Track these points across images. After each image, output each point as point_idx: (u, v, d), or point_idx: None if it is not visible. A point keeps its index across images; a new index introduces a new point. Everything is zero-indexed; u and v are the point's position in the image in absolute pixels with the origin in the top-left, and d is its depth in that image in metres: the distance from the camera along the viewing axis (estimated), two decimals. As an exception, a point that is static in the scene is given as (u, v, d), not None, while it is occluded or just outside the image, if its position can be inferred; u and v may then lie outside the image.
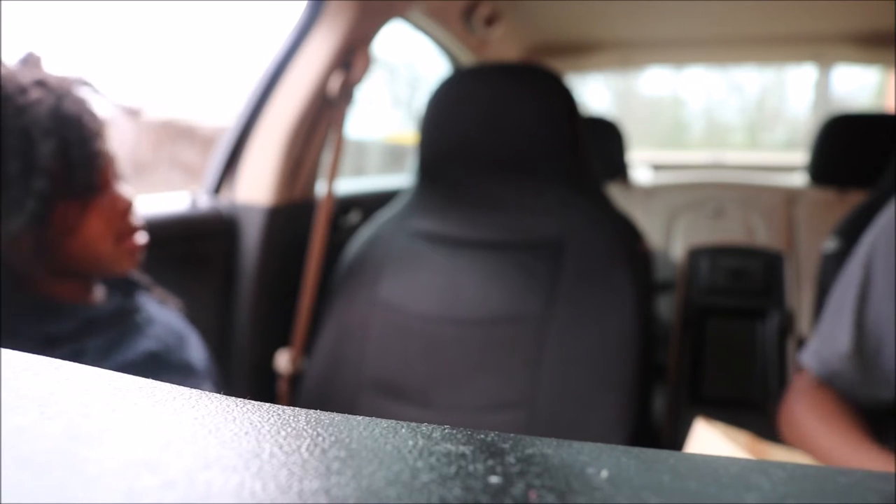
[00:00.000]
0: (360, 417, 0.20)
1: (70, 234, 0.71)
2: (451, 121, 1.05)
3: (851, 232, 0.97)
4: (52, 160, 0.66)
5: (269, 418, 0.19)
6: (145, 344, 0.76)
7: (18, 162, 0.65)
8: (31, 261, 0.72)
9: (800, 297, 1.62)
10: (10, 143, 0.65)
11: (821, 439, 0.73)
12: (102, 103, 0.76)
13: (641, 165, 2.77)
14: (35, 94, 0.67)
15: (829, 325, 0.78)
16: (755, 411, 1.16)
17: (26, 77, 0.69)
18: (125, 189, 0.75)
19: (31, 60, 0.72)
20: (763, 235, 1.85)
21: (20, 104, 0.66)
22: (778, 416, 0.83)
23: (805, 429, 0.76)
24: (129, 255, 0.76)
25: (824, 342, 0.78)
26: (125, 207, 0.75)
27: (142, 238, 0.78)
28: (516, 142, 1.02)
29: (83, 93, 0.71)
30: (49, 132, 0.66)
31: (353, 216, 1.36)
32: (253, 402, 0.20)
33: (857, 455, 0.68)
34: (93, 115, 0.70)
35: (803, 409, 0.77)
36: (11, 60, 0.72)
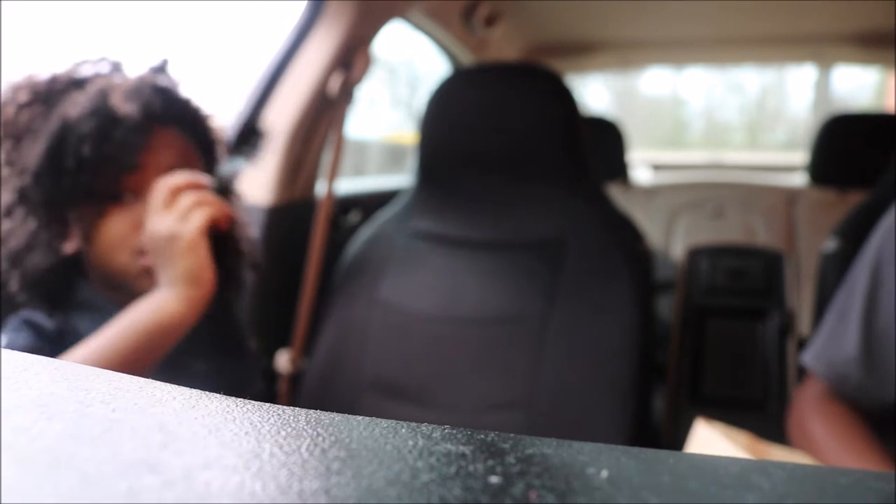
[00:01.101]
0: (360, 417, 0.20)
1: (87, 240, 0.68)
2: (450, 121, 1.05)
3: (851, 232, 0.97)
4: (68, 158, 0.64)
5: (269, 418, 0.19)
6: None
7: (44, 158, 0.63)
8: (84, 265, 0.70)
9: (800, 297, 1.62)
10: (43, 138, 0.64)
11: (834, 457, 0.72)
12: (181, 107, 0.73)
13: (641, 165, 2.77)
14: (77, 91, 0.66)
15: (834, 327, 0.78)
16: (755, 411, 1.16)
17: (85, 75, 0.68)
18: None
19: (158, 67, 0.72)
20: (763, 235, 1.85)
21: (56, 100, 0.65)
22: (787, 425, 0.82)
23: (820, 444, 0.75)
24: (147, 275, 0.68)
25: (829, 345, 0.78)
26: None
27: None
28: (516, 142, 1.02)
29: (145, 100, 0.67)
30: (73, 131, 0.64)
31: (353, 216, 1.36)
32: (253, 402, 0.20)
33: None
34: (135, 125, 0.66)
35: (816, 422, 0.76)
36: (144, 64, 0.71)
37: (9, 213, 0.66)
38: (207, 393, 0.21)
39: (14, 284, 0.66)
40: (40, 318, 0.66)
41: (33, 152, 0.64)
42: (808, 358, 0.80)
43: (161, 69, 0.73)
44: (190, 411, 0.19)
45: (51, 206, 0.66)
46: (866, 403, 0.75)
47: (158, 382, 0.21)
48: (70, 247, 0.69)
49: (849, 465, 0.70)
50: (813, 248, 1.67)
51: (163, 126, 0.71)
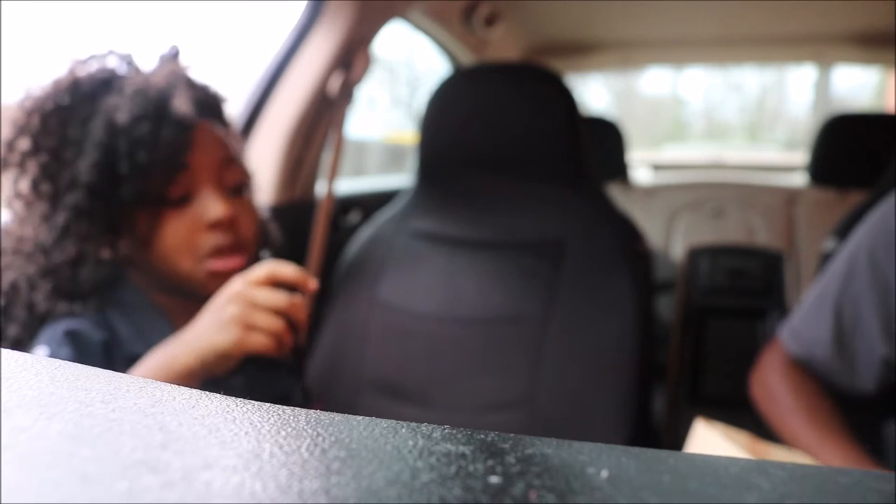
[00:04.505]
0: (360, 417, 0.20)
1: (145, 245, 0.66)
2: (451, 121, 1.05)
3: (851, 232, 0.97)
4: (123, 164, 0.62)
5: (269, 418, 0.19)
6: None
7: (89, 163, 0.61)
8: (134, 271, 0.68)
9: (800, 297, 1.62)
10: (87, 142, 0.62)
11: (791, 415, 0.76)
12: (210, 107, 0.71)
13: (641, 165, 2.77)
14: (114, 94, 0.64)
15: (811, 309, 0.81)
16: (755, 411, 1.16)
17: (124, 74, 0.66)
18: (215, 203, 0.67)
19: (170, 56, 0.70)
20: (763, 235, 1.85)
21: (97, 102, 0.63)
22: (751, 382, 0.86)
23: (781, 402, 0.79)
24: (214, 278, 0.67)
25: (805, 325, 0.81)
26: (210, 222, 0.66)
27: (233, 260, 0.68)
28: (516, 142, 1.02)
29: (182, 96, 0.65)
30: (123, 135, 0.62)
31: (353, 216, 1.36)
32: (253, 402, 0.20)
33: (823, 442, 0.72)
34: (181, 123, 0.64)
35: (781, 382, 0.80)
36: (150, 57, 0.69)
37: (66, 230, 0.63)
38: (207, 393, 0.21)
39: (56, 295, 0.63)
40: (86, 326, 0.63)
41: (82, 165, 0.62)
42: (785, 334, 0.84)
43: (174, 56, 0.71)
44: (190, 411, 0.19)
45: (107, 215, 0.64)
46: (833, 385, 0.79)
47: (158, 382, 0.21)
48: (115, 252, 0.67)
49: (805, 428, 0.74)
50: (813, 248, 1.67)
51: (200, 119, 0.68)
